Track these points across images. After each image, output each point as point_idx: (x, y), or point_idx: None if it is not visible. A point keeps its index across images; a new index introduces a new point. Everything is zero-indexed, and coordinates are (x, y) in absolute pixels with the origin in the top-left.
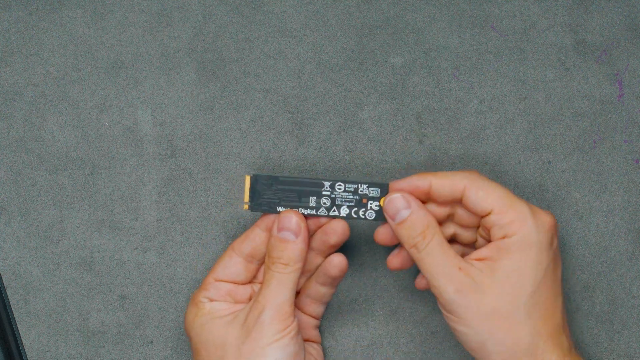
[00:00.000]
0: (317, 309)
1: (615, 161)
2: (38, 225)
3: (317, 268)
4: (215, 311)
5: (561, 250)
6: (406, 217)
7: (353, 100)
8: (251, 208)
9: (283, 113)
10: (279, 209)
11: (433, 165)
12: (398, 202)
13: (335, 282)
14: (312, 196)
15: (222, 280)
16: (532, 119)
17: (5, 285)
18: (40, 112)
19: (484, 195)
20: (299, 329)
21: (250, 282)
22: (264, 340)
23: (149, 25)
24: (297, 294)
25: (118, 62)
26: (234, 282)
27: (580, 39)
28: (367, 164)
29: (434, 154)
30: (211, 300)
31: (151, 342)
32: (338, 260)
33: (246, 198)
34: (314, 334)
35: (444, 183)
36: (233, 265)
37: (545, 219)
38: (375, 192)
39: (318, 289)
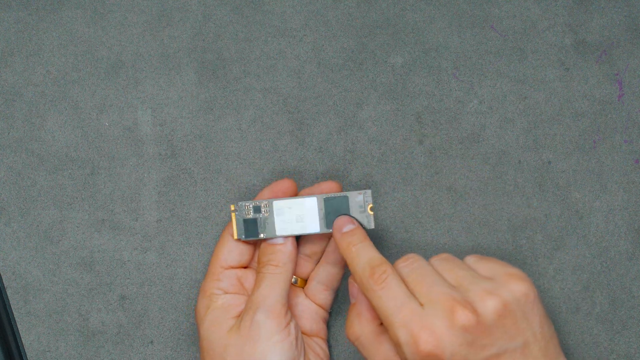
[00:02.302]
0: (327, 296)
1: (615, 161)
2: (38, 225)
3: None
4: (227, 307)
5: (561, 250)
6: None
7: (353, 100)
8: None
9: (283, 113)
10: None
11: (433, 165)
12: (351, 288)
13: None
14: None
15: (230, 267)
16: (532, 119)
17: (5, 285)
18: (40, 112)
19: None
20: (300, 336)
21: (252, 264)
22: (263, 342)
23: (149, 25)
24: (308, 281)
25: (118, 62)
26: (241, 266)
27: (580, 39)
28: (367, 164)
29: (434, 154)
30: (225, 292)
31: (151, 342)
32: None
33: (235, 235)
34: (322, 327)
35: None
36: (236, 247)
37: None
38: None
39: (329, 271)
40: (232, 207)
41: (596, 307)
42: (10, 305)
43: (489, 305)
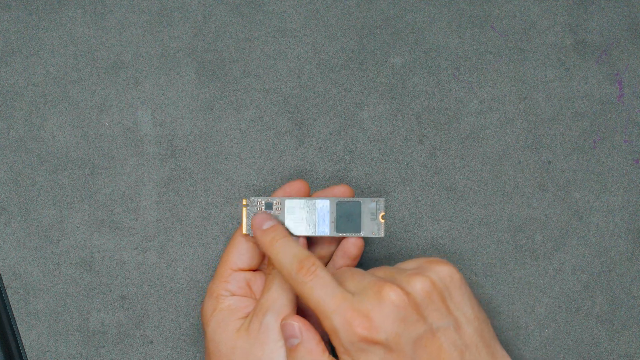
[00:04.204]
0: None
1: (615, 161)
2: (38, 225)
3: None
4: (234, 308)
5: (561, 250)
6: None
7: (353, 100)
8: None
9: (283, 113)
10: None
11: (433, 165)
12: (290, 329)
13: (353, 265)
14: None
15: (239, 270)
16: (532, 119)
17: (5, 285)
18: (40, 112)
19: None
20: None
21: (261, 267)
22: (271, 344)
23: (149, 25)
24: None
25: (118, 62)
26: (251, 269)
27: (580, 39)
28: (367, 164)
29: (434, 154)
30: (233, 294)
31: (151, 342)
32: (355, 239)
33: (244, 229)
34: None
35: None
36: (247, 250)
37: (352, 337)
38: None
39: None
40: (244, 202)
41: (596, 307)
42: (10, 305)
43: (416, 284)
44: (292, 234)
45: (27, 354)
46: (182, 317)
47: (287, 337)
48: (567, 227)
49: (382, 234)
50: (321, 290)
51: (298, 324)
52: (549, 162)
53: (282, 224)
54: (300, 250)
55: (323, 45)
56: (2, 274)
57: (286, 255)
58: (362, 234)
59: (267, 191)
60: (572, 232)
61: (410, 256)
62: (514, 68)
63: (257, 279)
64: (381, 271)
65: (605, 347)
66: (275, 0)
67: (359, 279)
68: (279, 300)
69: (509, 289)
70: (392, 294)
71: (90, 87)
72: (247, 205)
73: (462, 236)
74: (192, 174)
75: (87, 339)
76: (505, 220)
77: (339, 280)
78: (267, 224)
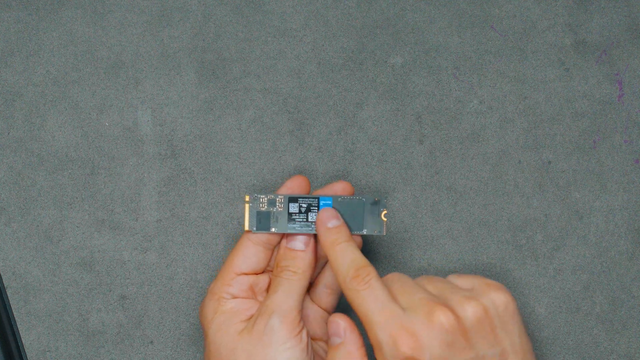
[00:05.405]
0: (332, 300)
1: (615, 161)
2: (38, 225)
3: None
4: (236, 311)
5: (561, 250)
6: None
7: (353, 100)
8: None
9: (283, 113)
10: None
11: (433, 165)
12: (336, 327)
13: None
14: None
15: (244, 274)
16: (532, 119)
17: (5, 285)
18: (40, 112)
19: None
20: (310, 343)
21: (266, 269)
22: (274, 346)
23: (149, 25)
24: (313, 285)
25: (118, 62)
26: (255, 273)
27: (580, 39)
28: (367, 164)
29: (434, 154)
30: (234, 297)
31: (151, 342)
32: (354, 235)
33: (247, 226)
34: (326, 331)
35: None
36: (253, 255)
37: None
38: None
39: None
40: (247, 198)
41: (596, 307)
42: (10, 305)
43: (468, 310)
44: (290, 232)
45: (27, 354)
46: (182, 317)
47: (330, 334)
48: (567, 227)
49: (384, 233)
50: (372, 302)
51: (344, 324)
52: (549, 162)
53: (347, 224)
54: (359, 257)
55: (323, 45)
56: (2, 274)
57: (344, 260)
58: (364, 232)
59: (268, 191)
60: (572, 232)
61: (410, 256)
62: (514, 68)
63: (260, 281)
64: (432, 284)
65: (605, 347)
66: (275, 0)
67: (410, 293)
68: (285, 304)
69: (509, 289)
70: (442, 317)
71: (90, 87)
72: (249, 202)
73: (462, 236)
74: (192, 174)
75: (87, 339)
76: (505, 220)
77: (391, 292)
78: (333, 223)
